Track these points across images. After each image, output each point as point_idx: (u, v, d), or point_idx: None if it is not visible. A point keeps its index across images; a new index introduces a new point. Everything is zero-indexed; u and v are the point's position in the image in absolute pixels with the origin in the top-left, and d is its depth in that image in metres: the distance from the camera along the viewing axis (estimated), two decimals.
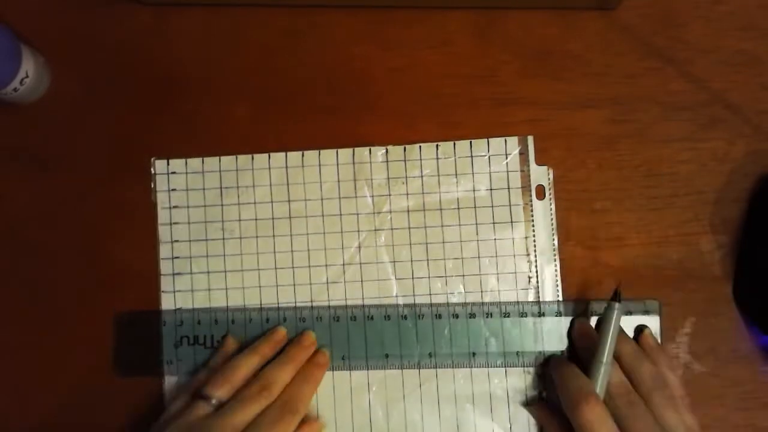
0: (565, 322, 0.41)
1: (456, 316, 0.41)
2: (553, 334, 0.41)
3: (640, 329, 0.41)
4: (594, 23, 0.43)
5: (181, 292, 0.42)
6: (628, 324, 0.41)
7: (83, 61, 0.44)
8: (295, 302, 0.42)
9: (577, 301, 0.42)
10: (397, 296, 0.42)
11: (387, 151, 0.43)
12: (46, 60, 0.43)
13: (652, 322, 0.41)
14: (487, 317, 0.41)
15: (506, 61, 0.43)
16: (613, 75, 0.43)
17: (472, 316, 0.41)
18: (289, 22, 0.44)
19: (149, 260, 0.42)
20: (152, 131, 0.43)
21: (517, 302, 0.42)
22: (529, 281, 0.42)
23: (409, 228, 0.43)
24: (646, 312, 0.41)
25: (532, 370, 0.41)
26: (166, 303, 0.42)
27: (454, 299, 0.42)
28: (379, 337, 0.41)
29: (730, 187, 0.43)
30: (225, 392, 0.38)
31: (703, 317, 0.42)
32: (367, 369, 0.41)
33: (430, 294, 0.42)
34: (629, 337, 0.40)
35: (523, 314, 0.41)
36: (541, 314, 0.41)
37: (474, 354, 0.41)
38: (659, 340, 0.41)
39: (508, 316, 0.41)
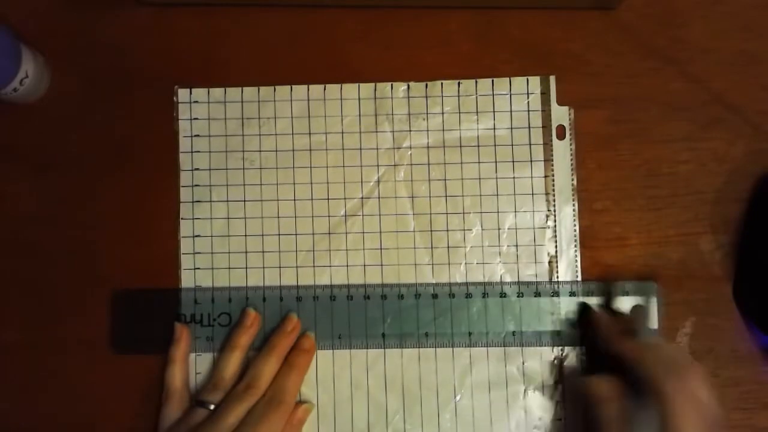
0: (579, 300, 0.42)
1: (453, 295, 0.42)
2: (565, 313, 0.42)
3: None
4: (594, 23, 0.43)
5: (200, 219, 0.43)
6: (626, 305, 0.41)
7: (83, 61, 0.44)
8: (313, 232, 0.42)
9: (594, 282, 0.42)
10: (414, 231, 0.42)
11: (408, 87, 0.43)
12: (46, 60, 0.43)
13: (650, 305, 0.41)
14: (470, 296, 0.42)
15: (506, 61, 0.43)
16: (613, 75, 0.43)
17: (464, 295, 0.42)
18: (289, 22, 0.44)
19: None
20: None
21: (533, 282, 0.42)
22: (547, 219, 0.42)
23: (429, 164, 0.43)
24: (644, 293, 0.41)
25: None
26: (185, 231, 0.43)
27: (471, 235, 0.42)
28: (376, 316, 0.42)
29: (730, 187, 0.43)
30: (218, 396, 0.39)
31: (703, 317, 0.42)
32: (382, 347, 0.42)
33: (447, 230, 0.42)
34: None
35: (537, 294, 0.42)
36: (555, 294, 0.42)
37: (470, 334, 0.42)
38: (657, 323, 0.41)
39: (522, 296, 0.42)
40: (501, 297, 0.42)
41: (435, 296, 0.42)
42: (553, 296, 0.42)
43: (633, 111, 0.43)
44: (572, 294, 0.42)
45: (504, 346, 0.41)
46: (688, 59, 0.43)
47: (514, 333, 0.41)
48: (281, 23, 0.44)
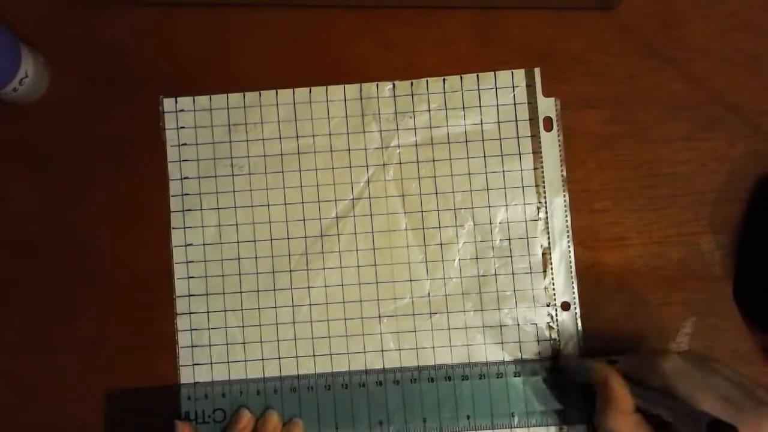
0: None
1: (431, 380, 0.41)
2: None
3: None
4: (594, 23, 0.43)
5: (191, 228, 0.43)
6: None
7: (83, 61, 0.44)
8: (305, 236, 0.42)
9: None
10: (406, 229, 0.42)
11: (394, 86, 0.43)
12: (46, 60, 0.43)
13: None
14: (463, 379, 0.41)
15: (506, 61, 0.43)
16: (613, 75, 0.43)
17: (448, 378, 0.41)
18: (289, 22, 0.44)
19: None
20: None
21: (505, 362, 0.41)
22: (538, 211, 0.42)
23: (418, 162, 0.43)
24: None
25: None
26: (177, 240, 0.42)
27: (464, 231, 0.42)
28: (372, 404, 0.41)
29: (730, 187, 0.43)
30: None
31: (703, 317, 0.42)
32: None
33: (439, 227, 0.42)
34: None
35: (499, 375, 0.41)
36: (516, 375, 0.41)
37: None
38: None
39: (502, 377, 0.41)
40: (498, 378, 0.41)
41: (431, 380, 0.41)
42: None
43: (633, 111, 0.43)
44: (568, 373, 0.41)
45: (511, 428, 0.41)
46: (688, 59, 0.43)
47: (513, 414, 0.41)
48: (282, 23, 0.44)
